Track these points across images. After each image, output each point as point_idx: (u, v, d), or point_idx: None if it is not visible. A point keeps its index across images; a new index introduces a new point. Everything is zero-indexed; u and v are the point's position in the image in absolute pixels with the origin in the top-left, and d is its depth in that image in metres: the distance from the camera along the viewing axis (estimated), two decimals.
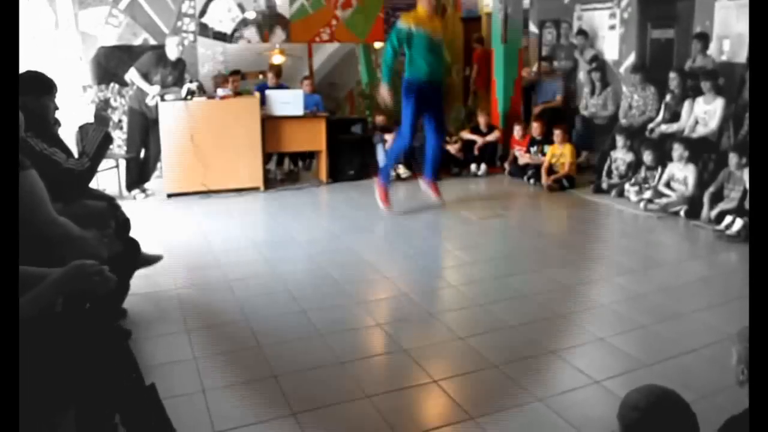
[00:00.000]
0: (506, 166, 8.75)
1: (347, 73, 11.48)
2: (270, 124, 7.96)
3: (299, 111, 8.06)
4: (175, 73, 7.60)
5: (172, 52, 7.48)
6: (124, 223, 4.11)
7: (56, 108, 3.87)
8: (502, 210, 7.11)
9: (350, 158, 8.51)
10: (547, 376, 3.43)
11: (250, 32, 10.57)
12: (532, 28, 10.48)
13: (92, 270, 2.31)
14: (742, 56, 7.33)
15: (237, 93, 8.24)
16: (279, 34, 10.75)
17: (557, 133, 7.90)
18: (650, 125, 7.65)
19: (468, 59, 11.78)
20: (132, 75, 7.47)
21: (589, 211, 6.96)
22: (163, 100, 7.36)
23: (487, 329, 3.98)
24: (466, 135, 8.93)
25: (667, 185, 6.71)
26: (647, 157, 7.07)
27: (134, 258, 4.10)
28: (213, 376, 3.41)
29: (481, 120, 8.98)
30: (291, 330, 3.98)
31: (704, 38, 7.47)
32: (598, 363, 3.56)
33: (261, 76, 10.17)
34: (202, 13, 10.22)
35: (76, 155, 3.88)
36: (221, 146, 7.55)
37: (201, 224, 6.49)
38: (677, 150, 6.66)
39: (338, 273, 5.01)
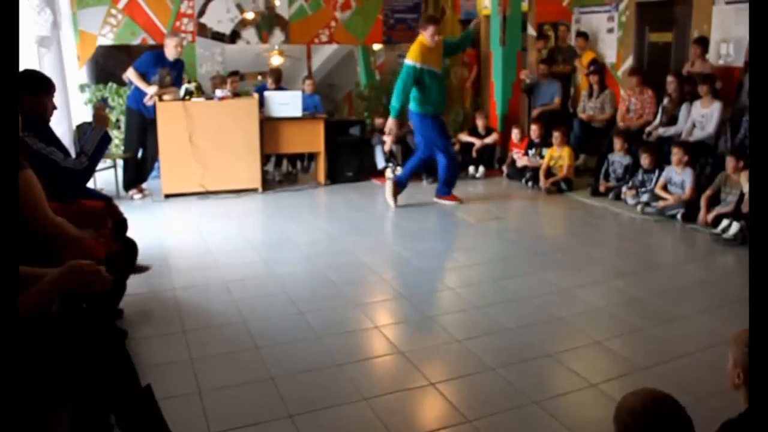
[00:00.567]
0: (504, 168, 8.75)
1: (346, 74, 11.50)
2: (268, 125, 7.96)
3: (298, 112, 8.06)
4: (174, 74, 7.60)
5: (171, 53, 7.47)
6: (122, 224, 4.10)
7: (54, 107, 3.87)
8: (500, 212, 7.11)
9: (348, 160, 8.52)
10: (544, 379, 3.44)
11: (249, 33, 10.58)
12: (531, 30, 10.49)
13: (89, 270, 2.31)
14: (740, 60, 7.35)
15: (235, 94, 8.24)
16: (278, 35, 10.75)
17: (556, 136, 7.90)
18: (647, 128, 7.66)
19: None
20: (130, 75, 7.47)
21: (586, 214, 6.97)
22: (161, 100, 7.36)
23: (485, 332, 3.98)
24: (464, 137, 8.94)
25: (664, 188, 6.72)
26: (644, 160, 7.08)
27: (131, 258, 4.11)
28: (210, 377, 3.40)
29: (479, 122, 8.98)
30: (288, 332, 3.98)
31: (704, 43, 7.47)
32: (595, 366, 3.57)
33: (260, 77, 10.18)
34: (201, 13, 10.22)
35: (73, 154, 3.89)
36: (219, 147, 7.55)
37: (198, 225, 6.49)
38: (674, 154, 6.66)
39: (336, 275, 5.01)
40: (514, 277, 4.97)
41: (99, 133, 3.89)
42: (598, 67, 8.78)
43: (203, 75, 9.88)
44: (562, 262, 5.36)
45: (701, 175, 6.75)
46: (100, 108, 4.19)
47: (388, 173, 8.38)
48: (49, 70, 6.61)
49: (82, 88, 9.05)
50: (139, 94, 7.43)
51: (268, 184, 8.19)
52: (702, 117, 7.06)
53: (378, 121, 8.95)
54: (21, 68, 3.94)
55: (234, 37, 10.48)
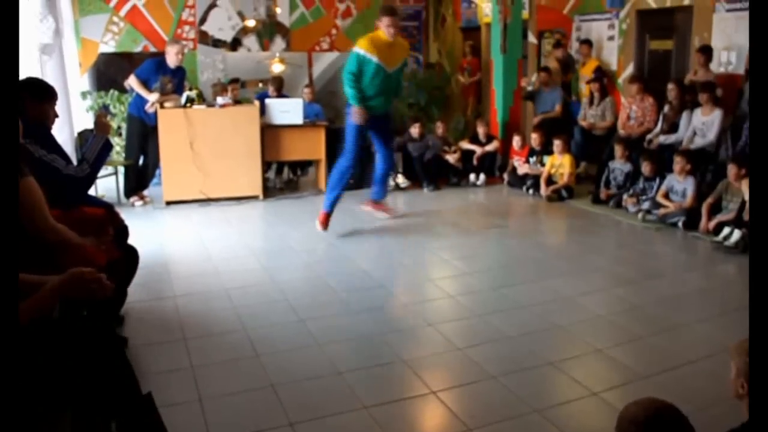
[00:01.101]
0: (505, 176, 8.75)
1: None
2: (269, 132, 7.97)
3: (299, 120, 8.08)
4: (175, 81, 7.61)
5: (172, 60, 7.49)
6: (123, 231, 4.10)
7: (56, 115, 3.87)
8: (501, 220, 7.12)
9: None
10: (545, 388, 3.43)
11: (250, 40, 10.61)
12: (531, 38, 10.52)
13: (90, 278, 2.31)
14: (741, 68, 7.36)
15: (236, 101, 8.25)
16: (279, 42, 10.79)
17: (557, 144, 7.91)
18: (648, 136, 7.66)
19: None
20: (131, 82, 7.49)
21: (587, 221, 6.97)
22: (162, 107, 7.37)
23: (486, 340, 3.97)
24: (465, 145, 8.94)
25: (666, 196, 6.72)
26: (645, 168, 7.08)
27: (133, 266, 4.10)
28: (210, 384, 3.40)
29: (480, 130, 8.99)
30: (289, 339, 3.98)
31: (707, 51, 7.46)
32: (596, 374, 3.56)
33: (261, 85, 10.20)
34: (202, 20, 10.26)
35: (75, 162, 3.89)
36: (220, 154, 7.56)
37: (199, 232, 6.49)
38: (677, 163, 6.66)
39: (336, 282, 5.00)
40: (515, 285, 4.96)
41: (100, 141, 3.89)
42: (599, 75, 8.78)
43: (204, 82, 9.92)
44: (563, 270, 5.35)
45: (702, 182, 6.75)
46: (102, 115, 4.20)
47: (389, 181, 8.39)
48: (51, 78, 6.62)
49: (83, 95, 9.07)
50: (141, 101, 7.45)
51: (268, 191, 8.20)
52: (703, 125, 7.07)
53: None
54: (23, 76, 3.96)
55: (235, 44, 10.52)
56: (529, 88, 9.48)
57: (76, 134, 7.75)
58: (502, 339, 3.99)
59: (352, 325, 4.23)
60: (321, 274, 5.21)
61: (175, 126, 7.37)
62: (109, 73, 9.58)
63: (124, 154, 7.98)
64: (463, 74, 11.42)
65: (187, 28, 10.15)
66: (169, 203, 7.52)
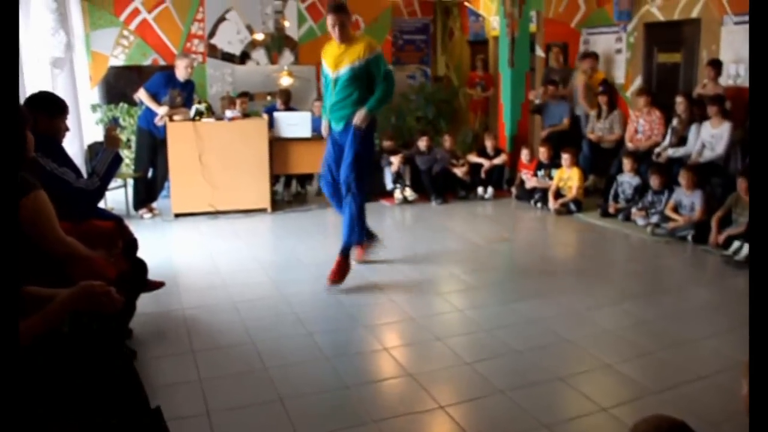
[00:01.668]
0: (513, 189, 8.75)
1: None
2: (278, 145, 8.00)
3: (307, 133, 8.10)
4: (184, 94, 7.66)
5: (181, 73, 7.54)
6: (132, 243, 4.12)
7: (67, 129, 3.90)
8: (509, 234, 7.10)
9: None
10: (554, 403, 3.41)
11: (259, 54, 10.66)
12: (539, 51, 10.54)
13: (100, 291, 2.32)
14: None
15: (245, 114, 8.29)
16: (287, 56, 10.84)
17: (565, 158, 7.90)
18: (657, 149, 7.65)
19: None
20: (141, 95, 7.53)
21: (596, 235, 6.95)
22: (171, 120, 7.41)
23: (494, 354, 3.96)
24: (473, 158, 8.95)
25: (675, 210, 6.69)
26: (654, 181, 7.06)
27: (141, 278, 4.11)
28: (218, 397, 3.39)
29: (488, 143, 9.00)
30: (297, 353, 3.97)
31: (717, 65, 7.45)
32: (605, 390, 3.54)
33: (269, 98, 10.24)
34: (211, 34, 10.32)
35: (85, 175, 3.91)
36: (229, 167, 7.58)
37: (208, 245, 6.50)
38: (683, 178, 6.63)
39: (345, 296, 5.00)
40: (524, 299, 4.95)
41: (110, 154, 3.91)
42: (606, 87, 8.78)
43: (213, 95, 9.96)
44: (571, 284, 5.33)
45: (712, 196, 6.72)
46: (111, 129, 4.22)
47: (397, 194, 8.40)
48: (62, 91, 6.67)
49: (93, 108, 9.13)
50: (150, 114, 7.49)
51: (277, 204, 8.21)
52: (712, 137, 7.05)
53: (386, 143, 8.97)
54: (35, 90, 3.99)
55: (244, 57, 10.57)
56: (537, 101, 9.48)
57: (86, 147, 7.80)
58: (511, 353, 3.97)
59: (360, 339, 4.22)
60: (329, 288, 5.20)
61: (183, 139, 7.40)
62: (119, 86, 9.64)
63: (133, 167, 8.02)
64: (474, 89, 11.40)
65: (196, 41, 10.21)
66: (177, 216, 7.54)
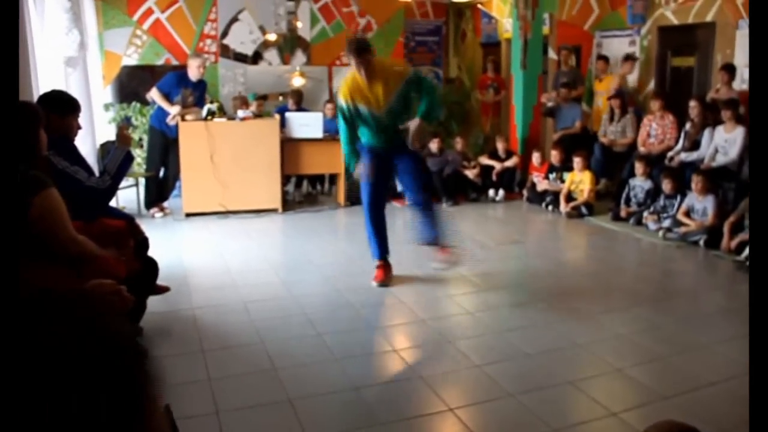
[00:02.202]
0: (524, 192, 8.72)
1: None
2: (289, 146, 8.01)
3: (318, 133, 8.11)
4: (196, 94, 7.68)
5: (194, 73, 7.56)
6: (143, 242, 4.13)
7: (79, 127, 3.92)
8: (520, 236, 7.09)
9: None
10: (564, 407, 3.39)
11: (271, 54, 10.68)
12: (552, 54, 10.50)
13: (111, 290, 2.32)
14: None
15: (258, 115, 8.30)
16: (300, 56, 10.85)
17: (577, 161, 7.87)
18: (669, 153, 7.61)
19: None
20: (153, 94, 7.56)
21: (607, 238, 6.92)
22: (183, 119, 7.43)
23: (504, 357, 3.94)
24: (485, 160, 8.94)
25: (687, 215, 6.66)
26: (666, 185, 7.02)
27: (152, 278, 4.12)
28: (228, 397, 3.39)
29: (500, 145, 8.98)
30: (307, 353, 3.97)
31: (731, 70, 7.40)
32: (616, 394, 3.52)
33: (281, 98, 10.26)
34: (224, 34, 10.35)
35: (97, 173, 3.93)
36: (240, 167, 7.60)
37: (218, 244, 6.52)
38: (695, 182, 6.60)
39: (355, 297, 5.00)
40: (534, 302, 4.93)
41: (121, 153, 3.92)
42: (620, 91, 8.74)
43: (225, 95, 9.99)
44: (582, 288, 5.31)
45: (724, 200, 6.68)
46: (123, 127, 4.24)
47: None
48: (75, 90, 6.70)
49: (106, 107, 9.17)
50: (162, 113, 7.52)
51: (288, 204, 8.22)
52: (725, 142, 7.00)
53: None
54: (48, 88, 4.01)
55: (256, 58, 10.59)
56: (549, 104, 9.45)
57: (98, 146, 7.83)
58: (521, 356, 3.96)
59: (370, 341, 4.22)
60: (339, 289, 5.20)
61: (195, 138, 7.43)
62: (131, 85, 9.68)
63: (145, 166, 8.05)
64: (486, 91, 11.31)
65: (208, 41, 10.24)
66: (188, 215, 7.56)
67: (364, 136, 5.23)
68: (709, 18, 7.98)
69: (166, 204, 7.87)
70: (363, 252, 6.25)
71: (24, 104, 3.21)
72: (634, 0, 8.87)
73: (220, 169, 7.52)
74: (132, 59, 9.80)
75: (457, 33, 12.65)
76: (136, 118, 9.06)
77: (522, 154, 9.02)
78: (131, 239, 3.84)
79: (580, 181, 7.90)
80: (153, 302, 4.28)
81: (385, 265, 5.42)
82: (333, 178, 9.00)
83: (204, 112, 7.55)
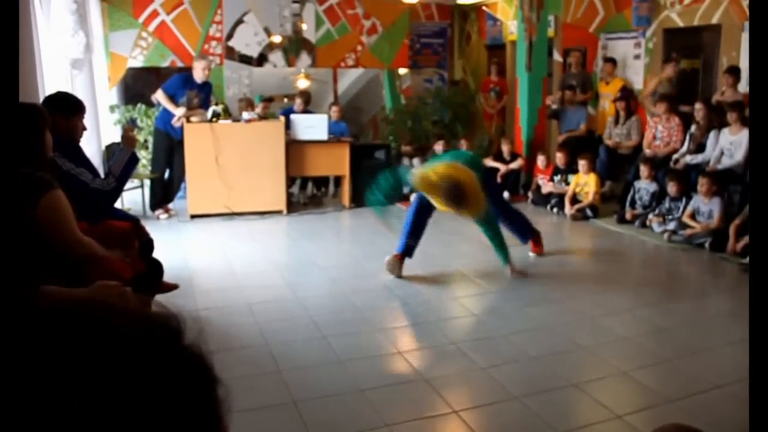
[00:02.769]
0: (529, 194, 8.71)
1: (372, 98, 11.56)
2: (294, 147, 8.01)
3: (323, 135, 8.11)
4: (201, 96, 7.69)
5: (199, 75, 7.57)
6: (148, 244, 4.13)
7: (84, 128, 3.92)
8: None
9: (373, 184, 8.50)
10: (569, 410, 3.39)
11: (276, 56, 10.69)
12: (557, 56, 10.49)
13: (116, 291, 2.32)
14: None
15: (263, 117, 8.32)
16: (305, 58, 10.86)
17: (582, 164, 7.87)
18: (675, 156, 7.59)
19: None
20: (159, 96, 7.57)
21: (612, 241, 6.91)
22: (188, 121, 7.44)
23: (508, 360, 3.94)
24: (489, 162, 8.93)
25: (692, 217, 6.64)
26: (671, 188, 7.01)
27: (157, 279, 4.13)
28: (232, 399, 3.38)
29: (505, 148, 8.97)
30: (311, 355, 3.97)
31: (736, 72, 7.38)
32: (621, 397, 3.51)
33: (286, 100, 10.27)
34: (229, 36, 10.36)
35: (102, 175, 3.93)
36: (245, 169, 7.61)
37: (223, 246, 6.52)
38: (702, 185, 6.58)
39: (360, 299, 4.99)
40: (539, 305, 4.92)
41: (126, 154, 3.93)
42: (625, 93, 8.73)
43: (230, 97, 10.00)
44: (587, 290, 5.30)
45: (730, 203, 6.66)
46: (128, 129, 4.25)
47: (413, 197, 8.38)
48: (80, 91, 6.71)
49: (111, 108, 9.19)
50: (167, 115, 7.53)
51: (292, 206, 8.23)
52: (731, 144, 6.99)
53: (404, 148, 8.98)
54: (54, 90, 4.01)
55: (261, 60, 10.60)
56: (554, 106, 9.44)
57: (103, 147, 7.85)
58: (526, 359, 3.95)
59: (375, 343, 4.21)
60: (345, 291, 5.20)
61: (200, 140, 7.44)
62: (136, 87, 9.71)
63: (150, 168, 8.06)
64: (488, 95, 11.24)
65: (214, 43, 10.25)
66: (193, 217, 7.57)
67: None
68: (714, 20, 7.96)
69: (171, 205, 7.88)
70: (367, 254, 6.26)
71: (29, 105, 3.21)
72: (639, 2, 8.85)
73: (225, 170, 7.53)
74: (137, 61, 9.81)
75: (462, 35, 12.65)
76: (142, 119, 9.07)
77: (527, 156, 9.02)
78: (136, 240, 3.84)
79: (585, 183, 7.89)
80: (157, 304, 4.29)
81: (400, 259, 5.61)
82: (338, 180, 8.99)
83: (209, 113, 7.56)
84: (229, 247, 6.46)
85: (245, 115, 7.84)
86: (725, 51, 7.85)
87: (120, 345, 0.57)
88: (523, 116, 9.20)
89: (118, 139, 7.82)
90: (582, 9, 10.02)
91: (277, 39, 10.63)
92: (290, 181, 8.43)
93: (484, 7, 11.84)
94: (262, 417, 3.23)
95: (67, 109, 3.76)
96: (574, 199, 7.90)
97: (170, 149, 7.67)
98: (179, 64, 9.86)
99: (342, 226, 7.72)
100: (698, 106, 7.52)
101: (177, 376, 0.60)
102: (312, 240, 6.83)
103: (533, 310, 4.79)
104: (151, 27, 9.83)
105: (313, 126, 8.11)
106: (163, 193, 7.83)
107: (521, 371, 3.78)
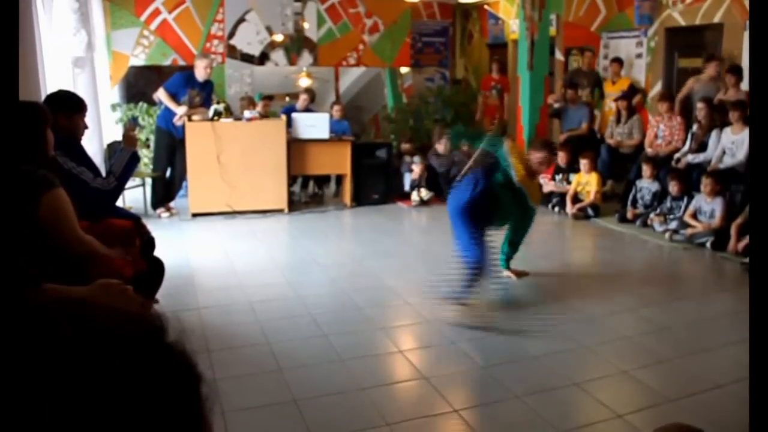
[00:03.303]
0: None
1: (373, 96, 11.55)
2: (295, 146, 8.01)
3: (325, 134, 8.11)
4: (203, 94, 7.69)
5: (201, 74, 7.57)
6: (149, 242, 4.13)
7: (86, 126, 3.93)
8: (526, 238, 7.05)
9: (375, 182, 8.53)
10: (569, 409, 3.39)
11: (278, 55, 10.69)
12: (558, 55, 10.49)
13: (117, 289, 2.32)
14: None
15: (264, 115, 8.32)
16: (306, 57, 10.86)
17: (584, 163, 7.86)
18: (676, 155, 7.58)
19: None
20: (160, 95, 7.57)
21: (613, 240, 6.90)
22: (190, 120, 7.44)
23: (509, 359, 3.94)
24: None
25: (694, 216, 6.63)
26: (673, 187, 7.00)
27: (158, 278, 4.12)
28: (233, 398, 3.39)
29: None
30: (312, 354, 3.97)
31: (738, 72, 7.37)
32: (622, 396, 3.51)
33: (288, 99, 10.27)
34: (231, 35, 10.36)
35: (104, 173, 3.94)
36: (247, 167, 7.61)
37: (225, 244, 6.52)
38: (705, 185, 6.57)
39: (361, 298, 5.00)
40: (540, 304, 4.92)
41: (127, 153, 3.93)
42: (628, 92, 8.71)
43: (232, 96, 10.00)
44: (588, 289, 5.30)
45: (732, 202, 6.65)
46: (130, 128, 4.25)
47: (414, 196, 8.39)
48: (82, 90, 6.72)
49: (113, 107, 9.20)
50: (169, 114, 7.53)
51: (294, 204, 8.23)
52: (732, 144, 6.98)
53: (404, 146, 8.98)
54: (56, 89, 4.01)
55: (263, 58, 10.61)
56: (556, 105, 9.43)
57: (105, 146, 7.85)
58: (526, 358, 3.95)
59: (376, 342, 4.22)
60: (346, 290, 5.20)
61: (202, 139, 7.44)
62: (138, 85, 9.71)
63: (151, 166, 8.07)
64: (488, 93, 11.24)
65: (215, 42, 10.26)
66: (195, 215, 7.58)
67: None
68: (716, 19, 7.95)
69: (172, 204, 7.88)
70: (368, 253, 6.26)
71: (31, 104, 3.21)
72: (641, 1, 8.84)
73: (227, 169, 7.53)
74: (139, 59, 9.82)
75: (464, 34, 12.65)
76: (143, 118, 9.08)
77: None
78: (138, 239, 3.84)
79: (586, 182, 7.88)
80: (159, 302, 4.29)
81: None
82: (339, 179, 9.00)
83: (211, 112, 7.56)
84: (231, 246, 6.47)
85: (247, 113, 7.84)
86: (727, 50, 7.83)
87: (102, 343, 0.57)
88: (524, 115, 9.18)
89: (119, 137, 7.84)
90: (584, 8, 10.01)
91: (278, 37, 10.63)
92: (291, 179, 8.43)
93: (485, 6, 11.83)
94: (262, 415, 3.23)
95: (68, 108, 3.75)
96: (576, 198, 7.90)
97: (172, 148, 7.68)
98: (181, 62, 9.86)
99: (343, 225, 7.72)
100: (700, 105, 7.51)
101: (159, 373, 0.60)
102: (313, 239, 6.84)
103: (534, 310, 4.78)
104: (153, 25, 9.84)
105: (314, 125, 8.11)
106: (165, 192, 7.83)
107: (522, 370, 3.78)
